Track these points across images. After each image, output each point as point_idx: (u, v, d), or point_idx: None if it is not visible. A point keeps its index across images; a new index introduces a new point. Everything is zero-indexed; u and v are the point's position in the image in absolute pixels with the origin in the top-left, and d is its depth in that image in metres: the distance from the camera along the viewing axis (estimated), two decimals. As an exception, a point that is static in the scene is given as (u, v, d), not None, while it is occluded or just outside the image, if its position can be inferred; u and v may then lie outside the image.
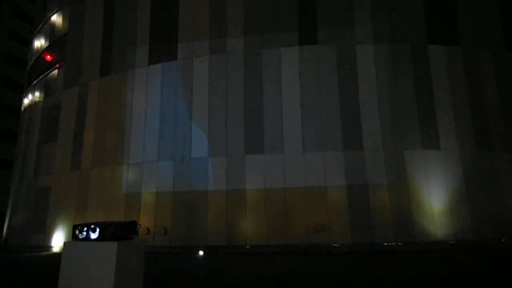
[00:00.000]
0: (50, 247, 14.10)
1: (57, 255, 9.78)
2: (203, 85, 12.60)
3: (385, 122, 11.48)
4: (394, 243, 10.61)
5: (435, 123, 11.51)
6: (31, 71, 20.22)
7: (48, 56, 17.94)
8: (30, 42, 21.34)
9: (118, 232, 4.78)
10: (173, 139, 12.59)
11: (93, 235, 4.70)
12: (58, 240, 13.99)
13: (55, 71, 17.16)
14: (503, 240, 10.67)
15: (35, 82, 18.71)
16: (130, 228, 5.15)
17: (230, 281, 6.98)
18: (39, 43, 19.46)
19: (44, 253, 13.53)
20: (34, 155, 16.91)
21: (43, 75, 17.94)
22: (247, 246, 11.06)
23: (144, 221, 11.85)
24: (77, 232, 4.79)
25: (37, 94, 18.33)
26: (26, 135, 18.40)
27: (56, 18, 18.02)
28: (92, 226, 4.73)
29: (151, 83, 13.45)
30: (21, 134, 19.60)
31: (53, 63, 17.50)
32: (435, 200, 10.92)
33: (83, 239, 4.75)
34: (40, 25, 19.64)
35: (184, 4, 13.59)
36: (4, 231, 18.33)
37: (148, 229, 11.87)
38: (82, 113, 14.92)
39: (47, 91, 17.49)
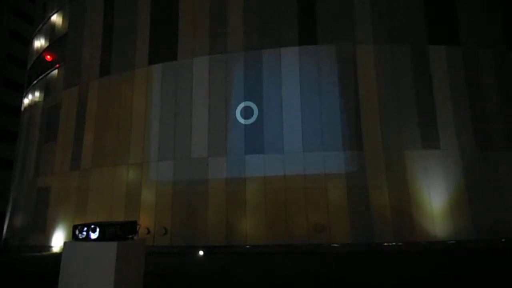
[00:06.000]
0: (50, 247, 14.10)
1: (57, 255, 9.78)
2: (203, 85, 12.61)
3: (385, 122, 11.48)
4: (394, 243, 10.61)
5: (435, 123, 11.51)
6: (31, 71, 20.23)
7: (48, 56, 17.94)
8: (30, 42, 21.35)
9: (118, 232, 4.78)
10: (173, 139, 12.59)
11: (93, 235, 4.71)
12: (58, 240, 13.99)
13: (55, 71, 17.16)
14: (503, 240, 10.67)
15: (35, 82, 18.71)
16: (130, 228, 5.15)
17: (230, 281, 6.98)
18: (39, 43, 19.46)
19: (44, 253, 13.53)
20: (34, 155, 16.91)
21: (43, 75, 17.94)
22: (247, 246, 11.06)
23: (144, 221, 11.86)
24: (77, 232, 4.79)
25: (37, 94, 18.33)
26: (26, 135, 18.40)
27: (56, 18, 18.02)
28: (92, 226, 4.73)
29: (151, 83, 13.45)
30: (21, 134, 19.60)
31: (53, 63, 17.50)
32: (435, 200, 10.92)
33: (83, 239, 4.75)
34: (40, 25, 19.65)
35: (184, 4, 13.60)
36: (4, 231, 18.33)
37: (148, 229, 11.87)
38: (82, 113, 14.92)
39: (47, 91, 17.49)
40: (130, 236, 5.10)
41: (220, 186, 11.67)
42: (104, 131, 14.10)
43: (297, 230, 10.91)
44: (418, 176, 11.11)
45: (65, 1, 17.45)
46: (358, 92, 11.67)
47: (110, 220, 7.87)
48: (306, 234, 10.83)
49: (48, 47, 18.31)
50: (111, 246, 4.57)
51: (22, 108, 20.51)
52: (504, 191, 11.25)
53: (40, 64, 18.74)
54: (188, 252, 11.08)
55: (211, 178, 11.82)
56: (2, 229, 18.73)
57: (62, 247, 4.99)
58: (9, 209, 18.56)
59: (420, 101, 11.66)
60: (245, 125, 11.90)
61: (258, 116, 11.87)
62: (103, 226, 4.74)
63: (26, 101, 19.78)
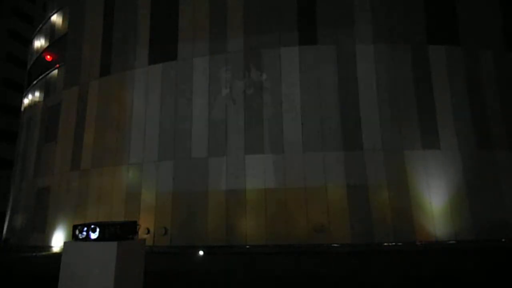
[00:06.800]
0: (50, 247, 14.10)
1: (57, 255, 9.77)
2: (203, 85, 12.61)
3: (385, 122, 11.47)
4: (394, 243, 10.61)
5: (435, 123, 11.50)
6: (31, 71, 20.23)
7: (48, 56, 17.94)
8: (30, 42, 21.35)
9: (118, 232, 4.79)
10: (173, 139, 12.59)
11: (93, 235, 4.71)
12: (58, 240, 13.99)
13: (55, 71, 17.16)
14: (503, 240, 10.67)
15: (35, 82, 18.71)
16: (130, 228, 5.16)
17: (230, 281, 6.98)
18: (39, 43, 19.46)
19: (44, 253, 13.53)
20: (34, 155, 16.91)
21: (43, 75, 17.94)
22: (247, 246, 11.06)
23: (144, 221, 11.85)
24: (77, 232, 4.79)
25: (37, 94, 18.34)
26: (26, 135, 18.41)
27: (56, 18, 18.02)
28: (92, 226, 4.73)
29: (151, 83, 13.45)
30: (21, 134, 19.60)
31: (53, 63, 17.50)
32: (435, 200, 10.92)
33: (83, 239, 4.75)
34: (40, 25, 19.66)
35: (184, 4, 13.60)
36: (4, 231, 18.33)
37: (148, 229, 11.88)
38: (82, 113, 14.92)
39: (47, 91, 17.49)
40: (130, 236, 5.10)
41: (220, 186, 11.67)
42: (104, 131, 14.10)
43: (297, 230, 10.91)
44: (418, 176, 11.10)
45: (65, 1, 17.46)
46: (358, 92, 11.67)
47: (110, 220, 7.88)
48: (306, 234, 10.82)
49: (48, 47, 18.31)
50: (111, 246, 4.57)
51: (22, 108, 20.51)
52: (504, 191, 11.25)
53: (40, 64, 18.74)
54: (188, 252, 11.08)
55: (211, 178, 11.82)
56: (2, 229, 18.73)
57: (62, 247, 4.99)
58: (9, 209, 18.56)
59: (420, 101, 11.65)
60: (245, 125, 11.89)
61: (258, 116, 11.87)
62: (103, 226, 4.74)
63: (26, 101, 19.78)
